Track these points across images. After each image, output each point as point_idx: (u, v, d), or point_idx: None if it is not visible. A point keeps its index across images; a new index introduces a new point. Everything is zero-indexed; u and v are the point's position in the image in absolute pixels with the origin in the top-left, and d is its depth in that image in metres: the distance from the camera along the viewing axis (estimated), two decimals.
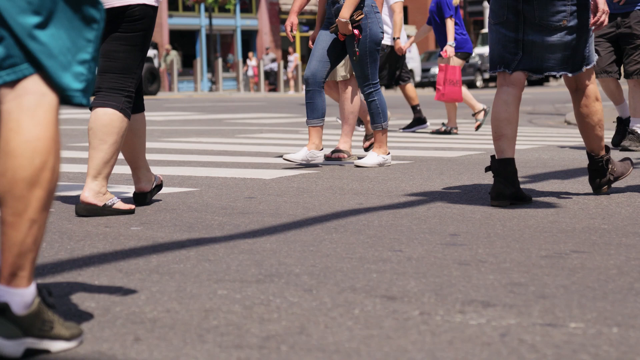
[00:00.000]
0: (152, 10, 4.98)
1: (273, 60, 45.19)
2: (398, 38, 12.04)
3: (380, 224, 4.56)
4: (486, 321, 2.70)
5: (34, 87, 2.43)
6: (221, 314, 2.80)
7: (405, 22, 58.84)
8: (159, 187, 5.43)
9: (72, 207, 5.16)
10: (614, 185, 6.09)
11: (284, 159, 7.48)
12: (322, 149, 7.60)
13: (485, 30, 49.92)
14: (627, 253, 3.78)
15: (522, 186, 6.15)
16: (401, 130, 12.70)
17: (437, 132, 12.35)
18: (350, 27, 7.33)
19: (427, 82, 44.36)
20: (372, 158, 7.63)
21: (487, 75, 47.26)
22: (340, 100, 8.28)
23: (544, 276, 3.32)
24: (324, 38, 7.58)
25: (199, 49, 48.86)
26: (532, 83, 49.61)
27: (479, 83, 46.52)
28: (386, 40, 12.05)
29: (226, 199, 5.56)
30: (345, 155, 8.20)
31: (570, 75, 5.40)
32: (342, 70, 8.30)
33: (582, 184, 6.25)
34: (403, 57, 12.33)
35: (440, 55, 12.01)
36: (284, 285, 3.19)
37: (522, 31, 5.34)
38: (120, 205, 4.93)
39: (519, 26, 5.34)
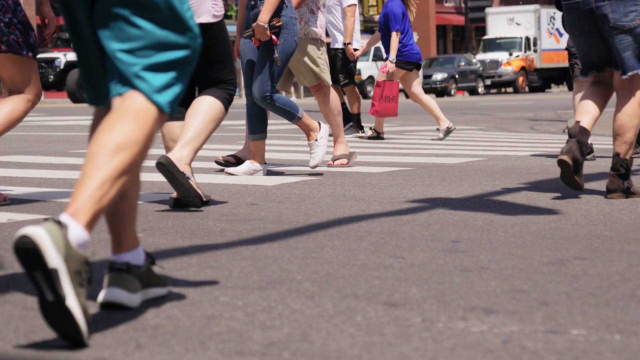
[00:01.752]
0: (215, 25, 5.79)
1: None
2: (349, 43, 11.98)
3: (382, 230, 4.56)
4: (488, 328, 2.70)
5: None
6: (223, 320, 2.80)
7: None
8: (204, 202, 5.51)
9: None
10: None
11: (226, 172, 7.27)
12: (264, 164, 7.37)
13: (487, 37, 49.95)
14: (629, 260, 3.78)
15: (523, 192, 6.15)
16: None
17: (370, 137, 12.22)
18: (268, 32, 6.98)
19: (429, 88, 44.36)
20: (245, 166, 7.31)
21: (488, 82, 47.30)
22: (320, 106, 8.05)
23: (546, 283, 3.32)
24: (248, 51, 7.29)
25: None
26: (533, 90, 49.61)
27: (480, 89, 46.54)
28: (339, 44, 12.09)
29: (228, 205, 5.55)
30: (346, 161, 8.10)
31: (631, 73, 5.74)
32: (308, 77, 7.97)
33: (585, 190, 6.25)
34: (354, 62, 12.27)
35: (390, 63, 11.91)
36: (286, 292, 3.19)
37: (602, 35, 5.76)
38: (193, 184, 5.29)
39: (599, 32, 5.76)
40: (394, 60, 11.70)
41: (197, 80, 5.83)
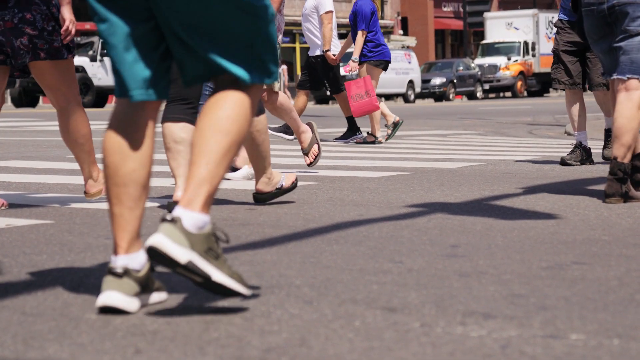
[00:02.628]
0: None
1: None
2: (328, 50, 12.00)
3: (380, 235, 4.56)
4: (487, 333, 2.70)
5: None
6: (222, 325, 2.80)
7: (405, 33, 58.86)
8: (285, 189, 5.98)
9: (71, 219, 5.16)
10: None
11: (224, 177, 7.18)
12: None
13: (485, 41, 49.99)
14: (628, 264, 3.78)
15: (522, 197, 6.15)
16: (335, 140, 12.62)
17: (365, 142, 12.21)
18: None
19: (427, 92, 44.39)
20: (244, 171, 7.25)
21: (487, 86, 47.33)
22: (271, 112, 7.34)
23: (545, 287, 3.32)
24: None
25: None
26: (532, 94, 49.63)
27: (479, 94, 46.57)
28: (318, 51, 12.11)
29: (227, 209, 5.55)
30: (316, 149, 7.27)
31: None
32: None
33: (583, 195, 6.25)
34: (336, 67, 12.28)
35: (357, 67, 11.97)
36: (285, 296, 3.18)
37: (615, 40, 5.87)
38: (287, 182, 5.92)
39: (614, 36, 5.86)
40: (357, 60, 11.78)
41: None
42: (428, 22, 58.68)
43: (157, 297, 3.09)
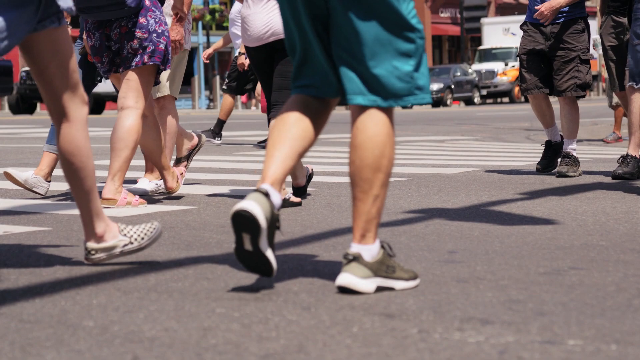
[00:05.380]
0: None
1: None
2: (243, 54, 12.06)
3: None
4: (485, 339, 2.70)
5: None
6: (219, 332, 2.80)
7: None
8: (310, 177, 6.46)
9: (69, 226, 5.16)
10: (611, 202, 6.10)
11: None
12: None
13: (482, 47, 50.00)
14: (625, 270, 3.78)
15: (519, 203, 6.16)
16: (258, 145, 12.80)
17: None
18: None
19: None
20: (144, 184, 6.74)
21: (484, 92, 47.35)
22: (160, 120, 6.95)
23: (543, 293, 3.32)
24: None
25: (196, 66, 48.91)
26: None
27: (476, 99, 46.59)
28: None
29: (224, 216, 5.55)
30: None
31: None
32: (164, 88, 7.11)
33: (580, 200, 6.25)
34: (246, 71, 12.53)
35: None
36: (283, 303, 3.19)
37: None
38: (293, 199, 6.08)
39: None
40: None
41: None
42: (425, 28, 58.65)
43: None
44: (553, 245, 4.40)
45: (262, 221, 3.21)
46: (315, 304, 3.16)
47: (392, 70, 3.34)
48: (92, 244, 3.85)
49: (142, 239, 3.94)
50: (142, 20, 5.90)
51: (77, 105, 3.74)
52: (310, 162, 7.16)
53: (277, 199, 3.29)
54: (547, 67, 8.28)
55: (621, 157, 7.82)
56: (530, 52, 8.27)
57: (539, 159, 8.71)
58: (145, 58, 5.89)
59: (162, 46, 5.96)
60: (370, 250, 3.33)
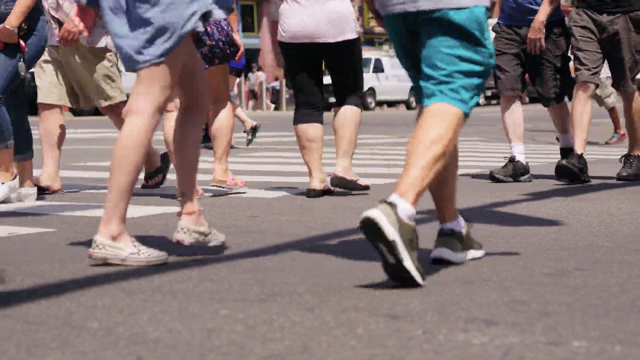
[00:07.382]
0: (357, 39, 6.88)
1: (277, 80, 45.25)
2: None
3: None
4: (489, 340, 2.70)
5: None
6: (223, 333, 2.80)
7: None
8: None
9: (74, 228, 5.17)
10: (616, 203, 6.09)
11: None
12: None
13: None
14: (630, 271, 3.78)
15: (523, 204, 6.15)
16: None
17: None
18: (17, 37, 6.29)
19: None
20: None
21: (489, 93, 47.28)
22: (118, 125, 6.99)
23: (547, 294, 3.32)
24: None
25: None
26: (533, 100, 49.54)
27: (481, 100, 46.55)
28: None
29: (229, 217, 5.56)
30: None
31: None
32: (97, 96, 7.11)
33: (585, 201, 6.25)
34: None
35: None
36: (287, 304, 3.19)
37: None
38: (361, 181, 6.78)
39: None
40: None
41: (338, 88, 6.88)
42: None
43: (475, 254, 3.98)
44: (558, 246, 4.39)
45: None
46: (319, 305, 3.16)
47: None
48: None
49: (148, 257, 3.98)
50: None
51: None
52: (323, 164, 7.11)
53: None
54: (522, 67, 8.03)
55: (623, 157, 7.79)
56: (504, 54, 7.98)
57: (543, 160, 8.69)
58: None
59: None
60: (405, 209, 3.40)
